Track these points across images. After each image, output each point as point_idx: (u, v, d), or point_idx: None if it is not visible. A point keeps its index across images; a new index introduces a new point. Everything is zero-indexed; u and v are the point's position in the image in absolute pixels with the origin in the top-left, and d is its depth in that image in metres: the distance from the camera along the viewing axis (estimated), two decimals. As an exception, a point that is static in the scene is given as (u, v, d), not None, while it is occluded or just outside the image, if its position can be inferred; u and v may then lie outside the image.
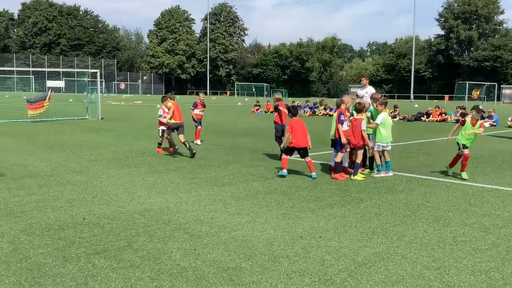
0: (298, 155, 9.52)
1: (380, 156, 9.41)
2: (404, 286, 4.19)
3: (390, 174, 9.35)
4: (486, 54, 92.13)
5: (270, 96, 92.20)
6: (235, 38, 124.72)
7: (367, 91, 14.20)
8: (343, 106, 9.47)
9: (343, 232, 5.74)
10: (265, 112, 33.23)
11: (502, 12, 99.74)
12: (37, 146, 13.58)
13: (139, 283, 4.22)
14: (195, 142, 13.94)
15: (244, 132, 18.60)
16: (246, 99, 73.66)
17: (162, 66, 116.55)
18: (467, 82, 62.45)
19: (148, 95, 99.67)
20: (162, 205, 6.94)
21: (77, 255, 4.92)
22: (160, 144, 12.64)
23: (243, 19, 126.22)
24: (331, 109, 29.76)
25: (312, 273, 4.47)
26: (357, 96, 12.59)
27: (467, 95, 59.66)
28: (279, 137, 11.58)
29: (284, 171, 9.06)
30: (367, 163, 9.87)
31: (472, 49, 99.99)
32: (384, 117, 9.28)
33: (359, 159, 9.11)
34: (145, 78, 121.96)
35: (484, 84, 68.40)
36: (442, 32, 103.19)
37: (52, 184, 8.32)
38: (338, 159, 9.11)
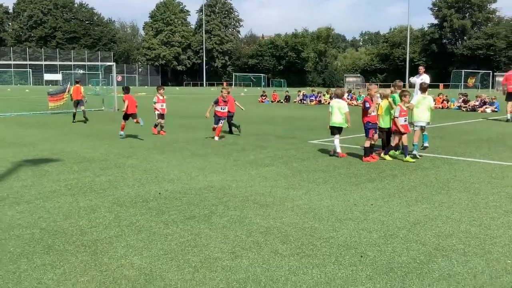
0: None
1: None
2: (456, 238, 5.11)
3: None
4: (479, 43, 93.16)
5: (268, 86, 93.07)
6: (230, 29, 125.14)
7: (422, 78, 15.87)
8: (368, 94, 10.29)
9: (389, 200, 6.67)
10: (272, 101, 34.15)
11: (494, 1, 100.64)
12: (73, 135, 14.39)
13: (237, 240, 5.10)
14: (216, 138, 12.94)
15: (262, 120, 19.48)
16: (246, 90, 74.37)
17: (158, 58, 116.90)
18: (462, 71, 63.61)
19: (146, 87, 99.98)
20: (221, 183, 7.82)
21: (173, 220, 5.81)
22: (156, 125, 14.80)
23: (238, 10, 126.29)
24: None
25: (377, 230, 5.38)
26: (411, 83, 13.86)
27: (463, 83, 60.73)
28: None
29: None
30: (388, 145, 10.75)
31: (465, 37, 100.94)
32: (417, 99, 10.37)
33: (405, 143, 9.70)
34: (140, 70, 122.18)
35: (479, 72, 69.55)
36: (436, 21, 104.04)
37: (112, 167, 9.18)
38: (366, 145, 9.92)
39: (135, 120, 13.66)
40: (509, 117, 19.09)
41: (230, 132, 14.59)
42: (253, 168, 9.04)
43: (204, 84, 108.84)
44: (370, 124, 9.94)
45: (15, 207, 6.37)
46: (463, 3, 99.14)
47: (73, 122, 18.29)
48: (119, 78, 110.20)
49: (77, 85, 18.87)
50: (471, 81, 65.71)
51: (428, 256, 4.61)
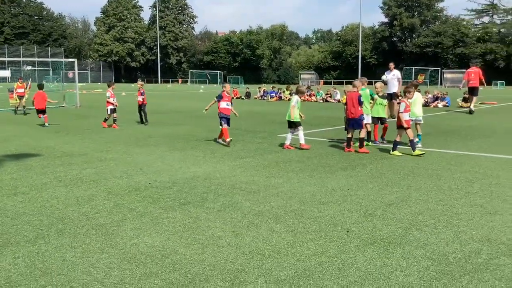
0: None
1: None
2: (427, 215, 5.82)
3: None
4: (428, 41, 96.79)
5: (224, 83, 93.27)
6: (184, 26, 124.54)
7: (394, 74, 17.03)
8: (355, 90, 10.79)
9: (363, 186, 7.35)
10: (232, 98, 34.61)
11: (442, 0, 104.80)
12: (43, 131, 14.47)
13: (235, 221, 5.63)
14: (222, 141, 11.80)
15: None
16: (203, 87, 74.55)
17: (111, 54, 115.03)
18: (413, 68, 66.06)
19: (99, 83, 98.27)
20: (205, 173, 8.31)
21: (170, 206, 6.27)
22: (106, 119, 15.54)
23: (192, 6, 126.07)
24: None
25: (357, 210, 6.03)
26: (382, 80, 14.66)
27: (413, 80, 62.98)
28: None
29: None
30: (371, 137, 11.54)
31: (414, 35, 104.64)
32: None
33: (411, 136, 10.01)
34: (93, 66, 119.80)
35: (429, 69, 72.37)
36: (386, 20, 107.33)
37: (94, 161, 9.49)
38: (362, 135, 10.49)
39: (39, 115, 15.43)
40: (472, 109, 21.27)
41: (141, 122, 16.47)
42: (231, 160, 9.56)
43: (159, 81, 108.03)
44: (363, 116, 10.55)
45: (13, 198, 6.67)
46: (412, 2, 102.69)
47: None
48: (70, 75, 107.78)
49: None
50: (421, 78, 68.13)
51: (405, 230, 5.28)
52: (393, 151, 10.08)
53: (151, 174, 8.25)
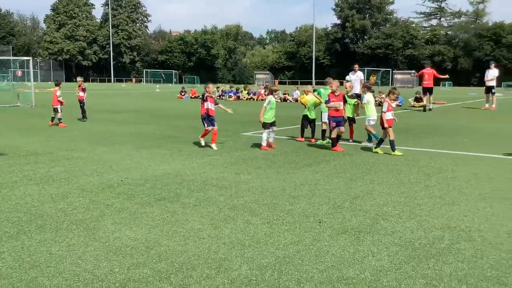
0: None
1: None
2: (391, 206, 6.23)
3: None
4: (379, 42, 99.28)
5: (180, 82, 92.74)
6: (138, 24, 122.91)
7: (357, 75, 17.69)
8: (331, 89, 11.05)
9: (329, 180, 7.71)
10: (191, 97, 34.63)
11: (392, 2, 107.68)
12: (5, 131, 14.16)
13: (211, 215, 5.85)
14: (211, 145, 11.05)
15: (191, 115, 20.03)
16: (158, 86, 73.90)
17: (61, 52, 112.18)
18: (365, 69, 67.57)
19: (49, 82, 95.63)
20: (175, 170, 8.47)
21: (146, 201, 6.43)
22: (60, 119, 15.59)
23: (145, 5, 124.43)
24: (254, 93, 31.86)
25: (326, 203, 6.37)
26: (347, 80, 15.10)
27: (365, 80, 64.59)
28: None
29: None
30: (327, 135, 11.89)
31: (366, 37, 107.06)
32: (368, 98, 11.39)
33: (391, 136, 10.17)
34: (42, 65, 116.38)
35: (380, 70, 74.31)
36: (339, 21, 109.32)
37: (61, 159, 9.47)
38: (333, 135, 10.71)
39: None
40: (431, 107, 23.00)
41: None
42: (199, 158, 9.75)
43: (112, 80, 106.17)
44: (330, 117, 10.80)
45: (-15, 196, 6.64)
46: (363, 4, 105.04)
47: None
48: (19, 73, 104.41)
49: None
50: (373, 79, 69.63)
51: (372, 220, 5.65)
52: (393, 151, 10.12)
53: (122, 172, 8.34)
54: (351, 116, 12.14)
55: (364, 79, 19.28)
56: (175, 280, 4.02)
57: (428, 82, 22.95)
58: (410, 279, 4.03)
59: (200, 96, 11.53)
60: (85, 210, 6.02)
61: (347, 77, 19.17)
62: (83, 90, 17.20)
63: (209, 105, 11.04)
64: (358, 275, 4.12)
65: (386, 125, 10.17)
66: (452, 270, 4.22)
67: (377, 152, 10.25)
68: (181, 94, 35.27)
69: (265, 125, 10.97)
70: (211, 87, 11.49)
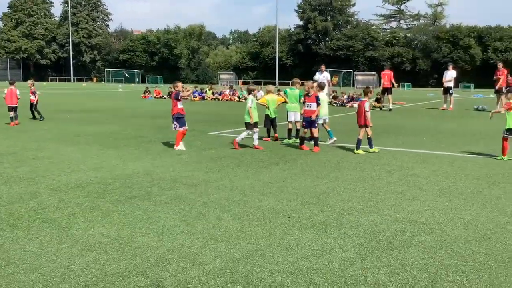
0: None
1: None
2: (355, 201, 6.50)
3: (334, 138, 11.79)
4: (340, 44, 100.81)
5: (143, 82, 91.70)
6: (98, 23, 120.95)
7: (324, 75, 18.15)
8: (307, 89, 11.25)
9: (296, 178, 7.94)
10: (155, 97, 34.42)
11: (353, 5, 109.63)
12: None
13: (183, 212, 5.98)
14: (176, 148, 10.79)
15: (156, 115, 19.98)
16: (120, 86, 72.95)
17: (19, 51, 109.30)
18: (327, 70, 68.69)
19: (6, 81, 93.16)
20: (144, 169, 8.53)
21: (117, 200, 6.50)
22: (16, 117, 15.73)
23: (106, 3, 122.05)
24: (219, 94, 31.94)
25: (294, 200, 6.59)
26: (314, 80, 15.46)
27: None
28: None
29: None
30: (293, 134, 12.16)
31: (327, 39, 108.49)
32: (322, 97, 11.66)
33: (361, 136, 10.55)
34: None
35: (342, 71, 75.64)
36: (301, 23, 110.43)
37: (27, 159, 9.38)
38: (316, 135, 10.82)
39: None
40: (391, 107, 24.10)
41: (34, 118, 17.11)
42: (167, 157, 9.83)
43: (72, 79, 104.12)
44: (303, 117, 11.00)
45: (-49, 196, 6.57)
46: (325, 6, 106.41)
47: None
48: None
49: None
50: (334, 79, 71.04)
51: (338, 214, 5.90)
52: (371, 148, 10.52)
53: (90, 171, 8.35)
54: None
55: (330, 80, 19.97)
56: (151, 273, 4.15)
57: (387, 83, 24.20)
58: (375, 268, 4.28)
59: (168, 96, 11.34)
60: (56, 209, 6.04)
61: (315, 77, 19.70)
62: (33, 93, 17.09)
63: (181, 104, 10.89)
64: (326, 265, 4.34)
65: (371, 124, 10.55)
66: (414, 259, 4.50)
67: (358, 153, 10.40)
68: (145, 94, 35.02)
69: (249, 125, 11.03)
70: (181, 85, 11.16)
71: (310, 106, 10.83)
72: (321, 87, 11.70)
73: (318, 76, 20.25)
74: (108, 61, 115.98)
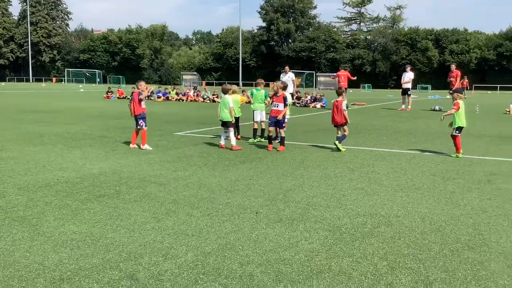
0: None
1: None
2: (320, 197, 6.77)
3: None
4: (303, 45, 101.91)
5: (104, 82, 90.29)
6: (58, 22, 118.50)
7: (289, 76, 18.75)
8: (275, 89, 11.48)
9: (263, 176, 8.17)
10: (118, 97, 34.09)
11: (315, 7, 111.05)
12: None
13: (153, 209, 6.11)
14: (143, 147, 10.95)
15: (119, 115, 19.85)
16: (81, 86, 71.71)
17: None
18: (291, 71, 69.41)
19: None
20: (111, 168, 8.59)
21: (86, 198, 6.57)
22: None
23: (66, 2, 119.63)
24: (184, 94, 31.92)
25: (261, 196, 6.81)
26: (281, 80, 15.90)
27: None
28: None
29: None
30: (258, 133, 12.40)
31: (290, 40, 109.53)
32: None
33: (344, 133, 11.11)
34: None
35: (304, 73, 76.54)
36: (264, 24, 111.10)
37: (-9, 159, 9.29)
38: (283, 134, 11.09)
39: None
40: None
41: None
42: (134, 156, 9.90)
43: (31, 79, 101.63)
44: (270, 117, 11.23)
45: None
46: (287, 8, 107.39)
47: None
48: None
49: None
50: (297, 81, 71.94)
51: (304, 210, 6.16)
52: (339, 144, 10.99)
53: (56, 171, 8.36)
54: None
55: (295, 80, 20.61)
56: (125, 267, 4.28)
57: (343, 83, 24.99)
58: (338, 258, 4.54)
59: (131, 96, 11.26)
60: (25, 207, 6.08)
61: (281, 78, 20.22)
62: None
63: (144, 104, 11.08)
64: (293, 256, 4.58)
65: (349, 121, 11.21)
66: (375, 249, 4.79)
67: (340, 150, 10.80)
68: (107, 94, 34.66)
69: (230, 124, 11.14)
70: (144, 84, 11.22)
71: (277, 106, 11.08)
72: (284, 87, 11.99)
73: (282, 77, 20.68)
74: (68, 61, 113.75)
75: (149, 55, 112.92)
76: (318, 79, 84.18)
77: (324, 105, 27.31)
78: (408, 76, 25.19)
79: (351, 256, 4.59)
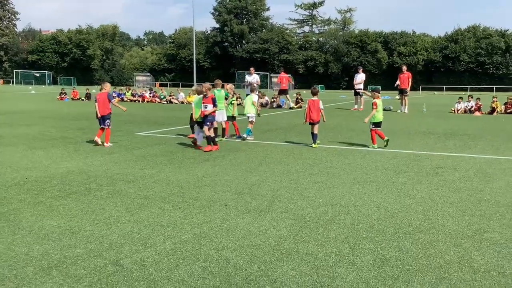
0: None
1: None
2: (284, 191, 7.23)
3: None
4: (256, 47, 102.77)
5: (55, 84, 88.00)
6: (5, 22, 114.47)
7: (253, 77, 19.48)
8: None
9: (228, 172, 8.56)
10: (72, 99, 33.60)
11: (268, 9, 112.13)
12: None
13: (126, 204, 6.39)
14: (106, 145, 11.48)
15: (77, 116, 19.72)
16: (31, 87, 69.74)
17: None
18: (245, 72, 69.88)
19: None
20: (77, 168, 8.76)
21: (58, 195, 6.77)
22: None
23: (13, 2, 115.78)
24: (140, 95, 31.83)
25: (227, 191, 7.19)
26: (247, 81, 16.32)
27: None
28: None
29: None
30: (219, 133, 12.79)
31: (244, 41, 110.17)
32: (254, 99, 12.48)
33: (316, 131, 11.84)
34: None
35: (259, 74, 77.26)
36: (218, 25, 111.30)
37: (-47, 161, 9.25)
38: (208, 133, 11.29)
39: None
40: (291, 106, 26.60)
41: None
42: (99, 156, 10.07)
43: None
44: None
45: None
46: (241, 9, 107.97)
47: None
48: None
49: None
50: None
51: (269, 202, 6.59)
52: (314, 143, 11.83)
53: (23, 171, 8.46)
54: (234, 115, 13.31)
55: (259, 81, 21.58)
56: (108, 255, 4.58)
57: (284, 84, 27.13)
58: (305, 242, 4.99)
59: (86, 97, 11.56)
60: None
61: (246, 79, 21.09)
62: None
63: (110, 104, 11.58)
64: (264, 242, 4.99)
65: (325, 120, 12.10)
66: (337, 234, 5.27)
67: (316, 147, 11.64)
68: (61, 96, 34.12)
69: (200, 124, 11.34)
70: (109, 86, 11.83)
71: (206, 107, 11.18)
72: (252, 90, 12.53)
73: (248, 78, 21.49)
74: (16, 62, 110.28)
75: (100, 55, 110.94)
76: (272, 80, 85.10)
77: (281, 104, 27.95)
78: (360, 77, 26.14)
79: (316, 240, 5.05)
